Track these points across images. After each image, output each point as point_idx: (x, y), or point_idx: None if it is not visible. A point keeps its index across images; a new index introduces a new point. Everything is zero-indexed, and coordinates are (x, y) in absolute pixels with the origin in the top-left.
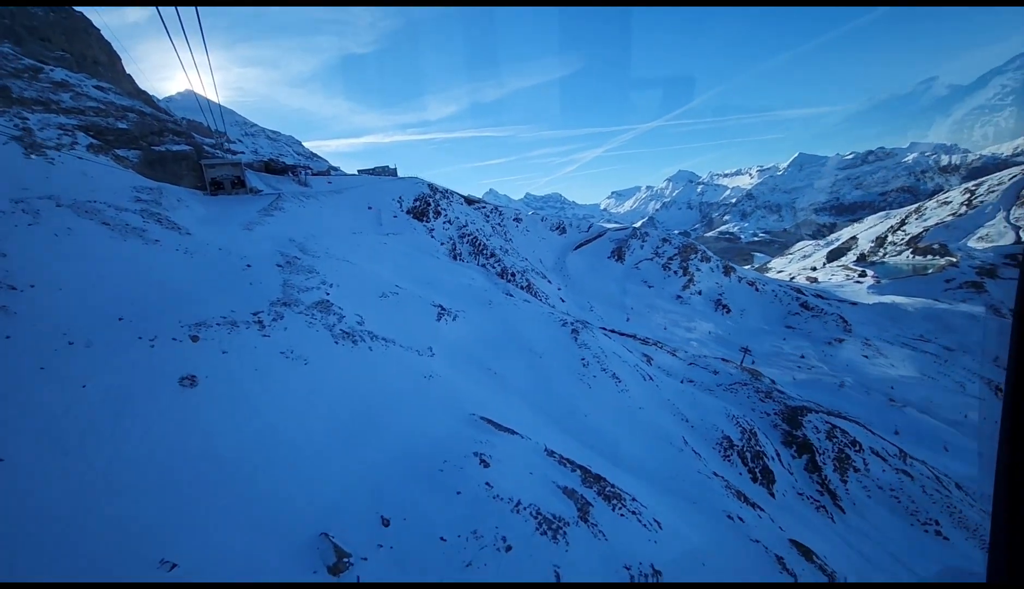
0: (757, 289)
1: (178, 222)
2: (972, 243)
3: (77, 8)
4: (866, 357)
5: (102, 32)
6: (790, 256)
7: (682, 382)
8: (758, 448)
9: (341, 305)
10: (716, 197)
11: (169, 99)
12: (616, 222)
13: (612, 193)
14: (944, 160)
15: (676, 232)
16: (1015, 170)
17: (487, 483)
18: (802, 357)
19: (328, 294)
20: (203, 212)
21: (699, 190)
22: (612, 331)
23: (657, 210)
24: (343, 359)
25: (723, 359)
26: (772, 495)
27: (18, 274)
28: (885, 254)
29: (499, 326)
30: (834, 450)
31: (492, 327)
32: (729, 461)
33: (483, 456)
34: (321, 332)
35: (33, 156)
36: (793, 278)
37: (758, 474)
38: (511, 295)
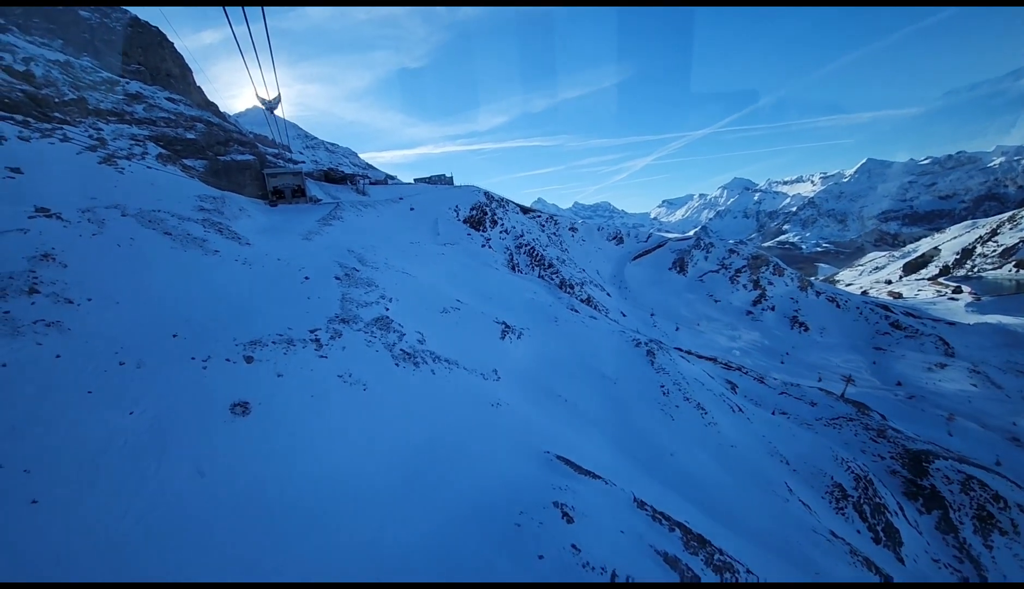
0: (839, 305)
1: (239, 232)
2: None
3: (153, 24)
4: (975, 386)
5: (175, 46)
6: (860, 267)
7: (774, 413)
8: (877, 500)
9: (401, 322)
10: (774, 205)
11: (238, 115)
12: (667, 231)
13: (663, 202)
14: None
15: (731, 242)
16: None
17: (573, 546)
18: (899, 384)
19: (388, 309)
20: (264, 221)
21: (756, 198)
22: (689, 352)
23: (711, 219)
24: (404, 384)
25: (821, 388)
26: (901, 561)
27: (77, 287)
28: (974, 267)
29: (567, 346)
30: (972, 506)
31: (559, 347)
32: (844, 515)
33: (565, 508)
34: (381, 352)
35: (105, 166)
36: (865, 292)
37: (880, 533)
38: (576, 311)
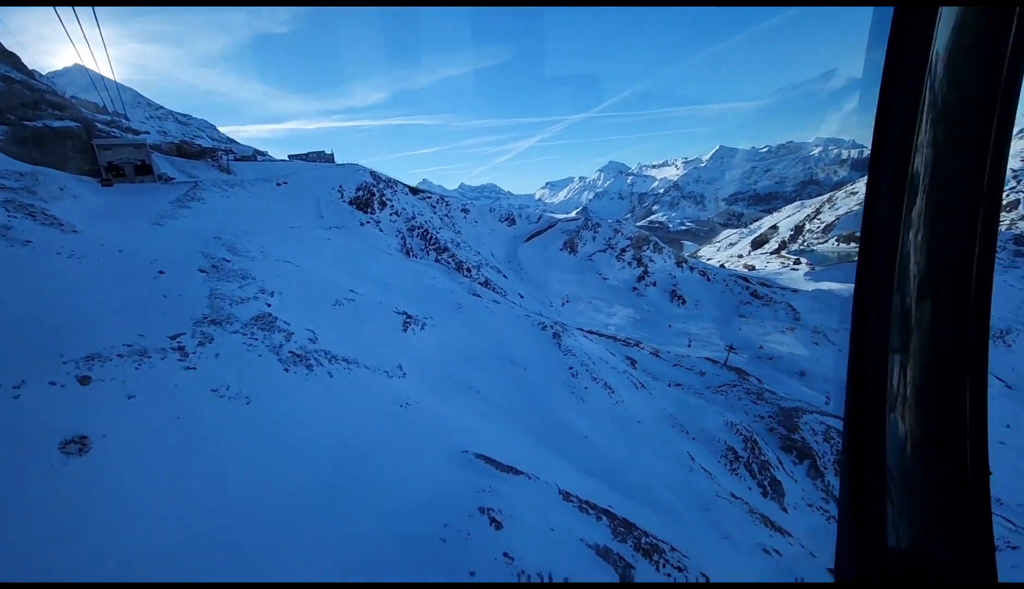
0: (709, 279)
1: (60, 216)
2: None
3: None
4: (816, 344)
5: None
6: (718, 244)
7: (670, 386)
8: (763, 457)
9: (288, 319)
10: (645, 187)
11: (54, 74)
12: (552, 212)
13: (546, 183)
14: (844, 154)
15: (614, 222)
16: None
17: (505, 554)
18: (761, 348)
19: (270, 305)
20: (96, 204)
21: (629, 181)
22: (591, 332)
23: (590, 200)
24: (297, 392)
25: (708, 358)
26: (784, 510)
27: None
28: (804, 242)
29: (473, 334)
30: (832, 452)
31: (466, 335)
32: (737, 475)
33: (492, 513)
34: (266, 356)
35: None
36: (723, 266)
37: (767, 487)
38: (478, 295)
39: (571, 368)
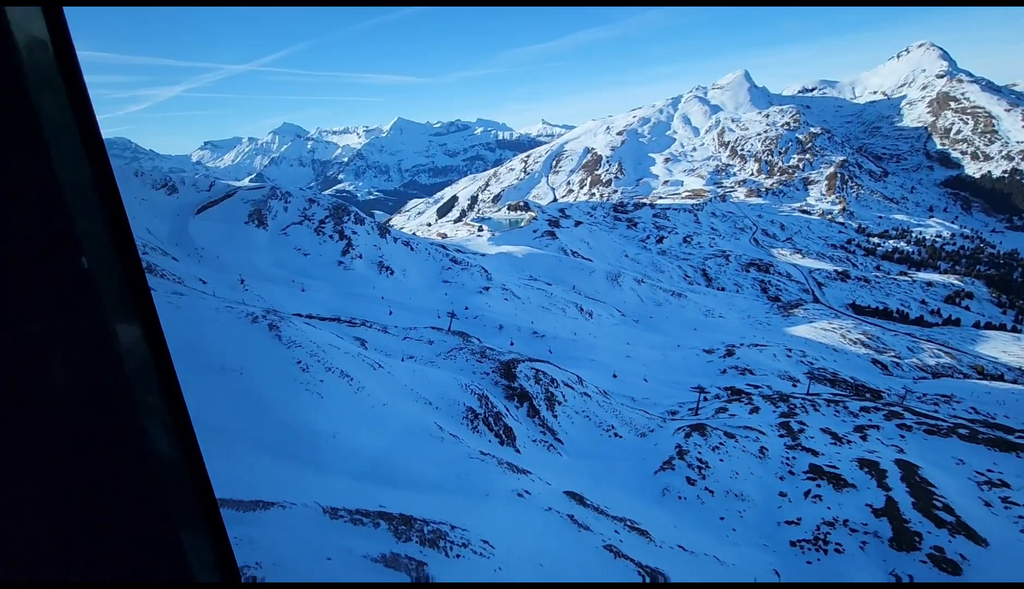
0: (412, 248)
1: None
2: (530, 200)
3: None
4: (506, 301)
5: None
6: (407, 213)
7: (403, 360)
8: (496, 410)
9: None
10: (328, 155)
11: None
12: (218, 178)
13: (206, 143)
14: (502, 135)
15: (306, 191)
16: (543, 148)
17: None
18: (466, 309)
19: None
20: None
21: (309, 146)
22: (310, 317)
23: (266, 166)
24: None
25: (433, 327)
26: (518, 451)
27: None
28: (479, 210)
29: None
30: (544, 392)
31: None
32: (478, 432)
33: (247, 570)
34: None
35: None
36: (415, 234)
37: (502, 435)
38: (152, 290)
39: (299, 362)
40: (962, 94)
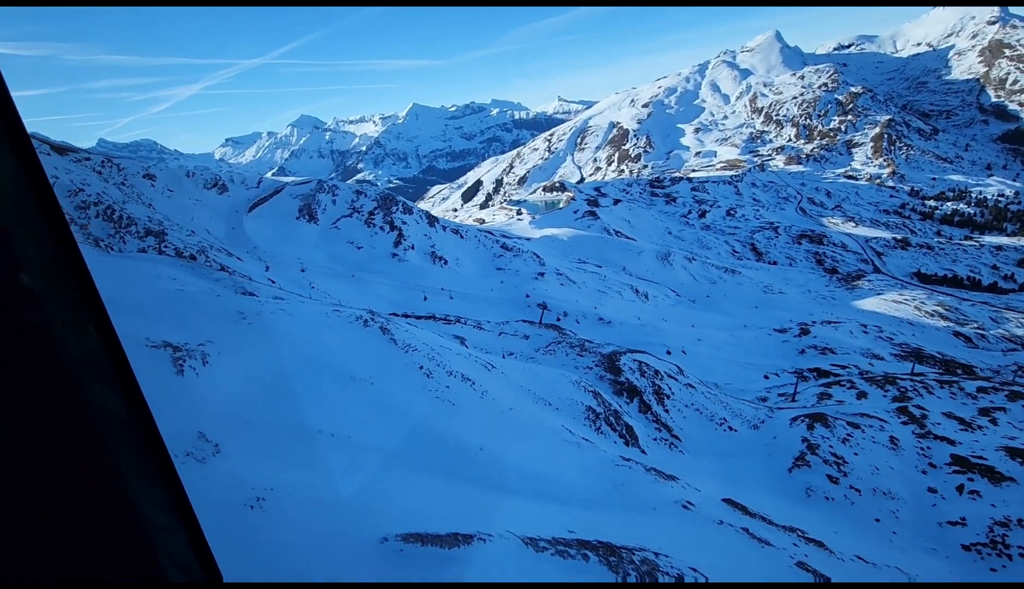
0: (462, 236)
1: None
2: (565, 180)
3: None
4: (562, 286)
5: None
6: (431, 200)
7: (504, 357)
8: (614, 408)
9: None
10: (346, 145)
11: None
12: (240, 174)
13: (227, 140)
14: (518, 115)
15: (347, 183)
16: (566, 125)
17: None
18: (527, 296)
19: None
20: None
21: (327, 137)
22: (406, 315)
23: (286, 159)
24: None
25: (524, 321)
26: (644, 452)
27: None
28: (505, 193)
29: (277, 352)
30: (651, 385)
31: (271, 358)
32: (602, 433)
33: None
34: None
35: None
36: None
37: (626, 436)
38: (252, 294)
39: (421, 367)
40: (1017, 40)
